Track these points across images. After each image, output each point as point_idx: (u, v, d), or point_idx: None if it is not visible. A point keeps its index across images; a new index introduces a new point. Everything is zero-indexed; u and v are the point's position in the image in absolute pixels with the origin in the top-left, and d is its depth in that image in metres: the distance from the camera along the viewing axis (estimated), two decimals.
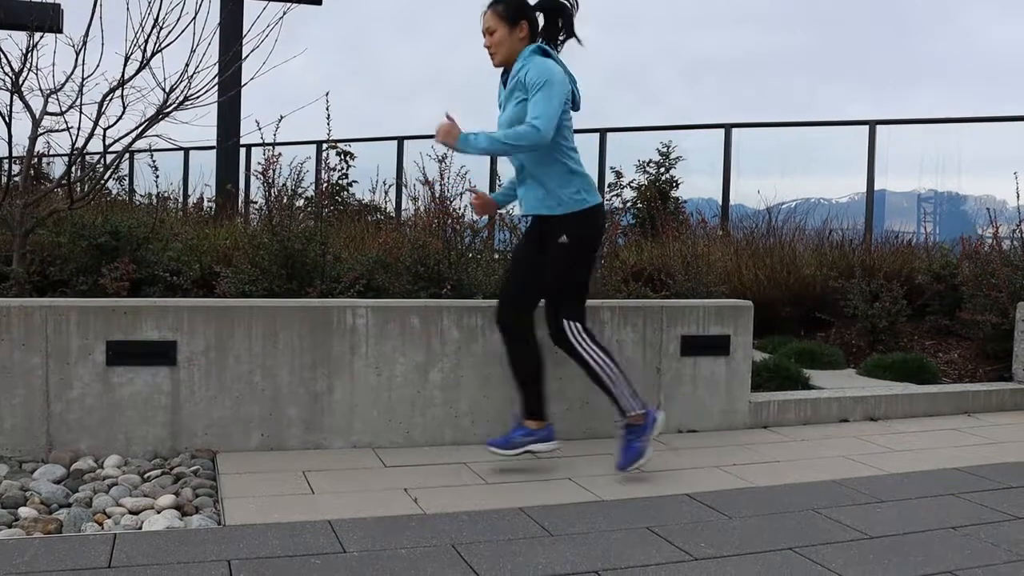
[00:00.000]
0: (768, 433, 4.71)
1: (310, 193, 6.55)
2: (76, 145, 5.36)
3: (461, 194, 5.77)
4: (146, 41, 5.20)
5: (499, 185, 4.34)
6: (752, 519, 3.29)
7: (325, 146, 10.61)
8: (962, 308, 6.54)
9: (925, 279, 7.15)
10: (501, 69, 3.80)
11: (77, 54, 5.13)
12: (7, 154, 5.73)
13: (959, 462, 4.19)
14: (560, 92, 3.57)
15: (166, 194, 9.76)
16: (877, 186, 10.83)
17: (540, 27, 3.76)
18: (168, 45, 5.26)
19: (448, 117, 3.66)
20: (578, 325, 3.72)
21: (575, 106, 3.80)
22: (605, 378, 3.71)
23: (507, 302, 3.88)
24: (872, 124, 10.70)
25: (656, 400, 4.54)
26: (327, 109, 6.44)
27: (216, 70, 5.59)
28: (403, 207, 10.14)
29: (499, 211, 4.89)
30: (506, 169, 5.63)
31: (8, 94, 5.14)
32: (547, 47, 3.72)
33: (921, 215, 12.28)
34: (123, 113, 5.29)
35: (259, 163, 5.62)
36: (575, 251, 3.70)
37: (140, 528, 3.03)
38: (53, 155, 7.73)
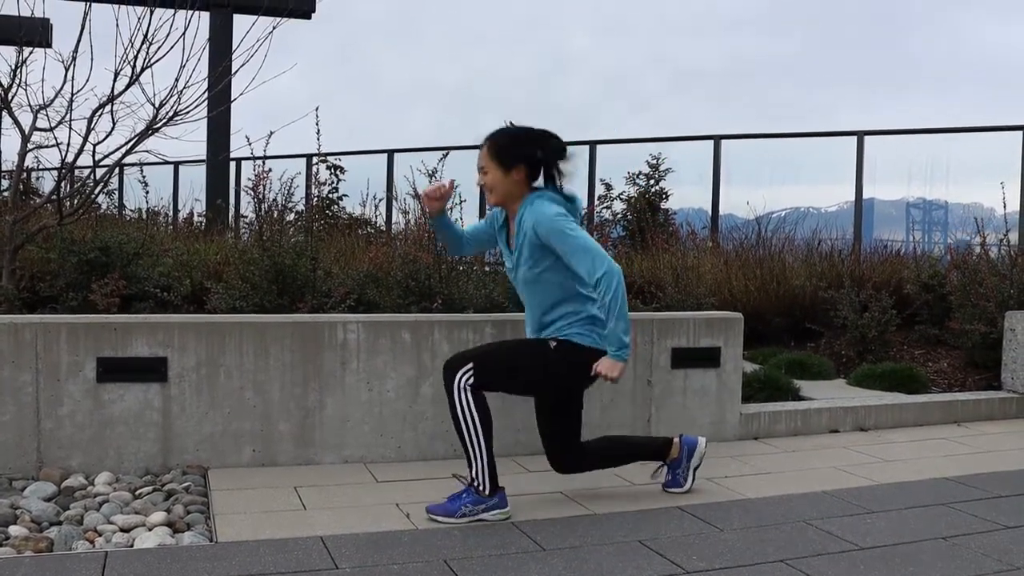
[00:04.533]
0: (759, 444, 4.72)
1: (300, 207, 6.56)
2: (66, 160, 5.37)
3: (451, 208, 5.77)
4: (135, 56, 5.22)
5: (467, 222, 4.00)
6: (744, 531, 3.30)
7: (315, 160, 10.61)
8: (951, 317, 6.57)
9: (914, 289, 7.18)
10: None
11: (66, 69, 5.14)
12: None
13: (949, 472, 4.21)
14: (573, 222, 3.31)
15: (156, 209, 9.75)
16: (866, 195, 10.87)
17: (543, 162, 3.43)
18: (158, 60, 5.29)
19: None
20: (470, 390, 3.34)
21: None
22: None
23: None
24: (860, 135, 10.75)
25: (647, 413, 4.55)
26: (317, 124, 6.46)
27: (205, 85, 5.60)
28: (393, 221, 10.14)
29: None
30: None
31: None
32: (552, 191, 3.44)
33: (910, 224, 12.34)
34: (112, 128, 5.31)
35: (249, 178, 5.62)
36: (557, 370, 3.41)
37: (131, 546, 3.02)
38: (42, 169, 7.71)
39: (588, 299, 3.40)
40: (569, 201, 3.45)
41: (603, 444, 3.69)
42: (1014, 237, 7.37)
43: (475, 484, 3.35)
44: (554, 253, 3.31)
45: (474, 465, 3.34)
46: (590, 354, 3.36)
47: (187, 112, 5.41)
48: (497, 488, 3.36)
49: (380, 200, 9.74)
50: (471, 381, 3.34)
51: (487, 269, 6.09)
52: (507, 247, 3.55)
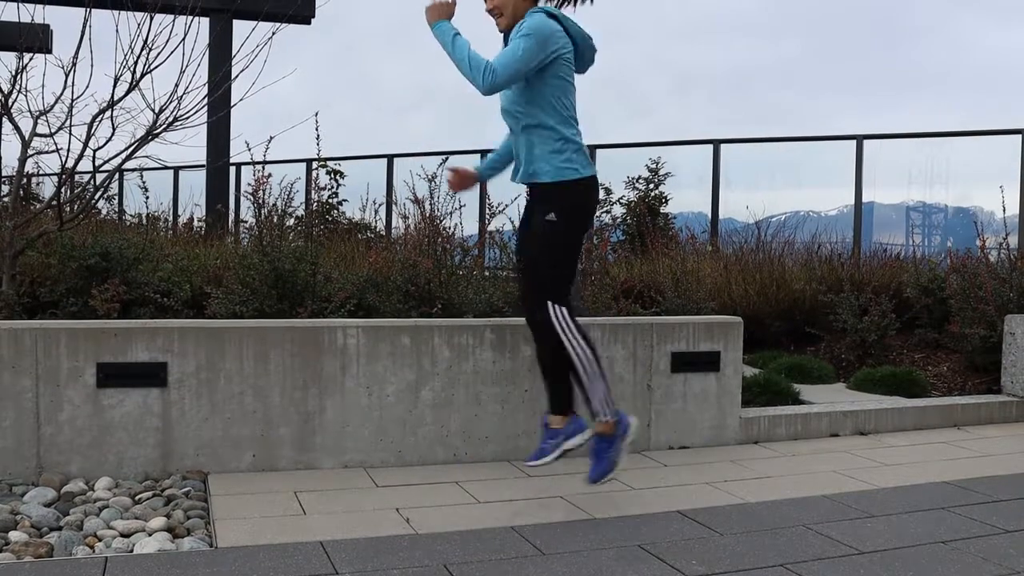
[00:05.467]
0: (759, 448, 4.72)
1: (300, 212, 6.57)
2: (66, 166, 5.37)
3: (451, 212, 5.79)
4: (135, 62, 5.23)
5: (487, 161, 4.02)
6: (743, 536, 3.30)
7: (315, 165, 10.62)
8: (951, 321, 6.57)
9: (914, 292, 7.19)
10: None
11: (66, 75, 5.14)
12: None
13: (949, 476, 4.21)
14: (534, 49, 3.37)
15: (156, 214, 9.76)
16: (866, 198, 10.89)
17: None
18: (158, 66, 5.29)
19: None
20: (564, 310, 3.48)
21: (581, 67, 3.65)
22: (583, 373, 3.48)
23: (523, 299, 3.68)
24: (859, 139, 10.77)
25: (647, 417, 4.55)
26: (316, 129, 6.47)
27: (205, 90, 5.61)
28: (393, 225, 10.16)
29: (479, 183, 4.18)
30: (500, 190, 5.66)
31: None
32: (552, 8, 3.55)
33: (909, 227, 12.35)
34: (113, 134, 5.31)
35: (249, 183, 5.63)
36: (562, 229, 3.48)
37: (131, 551, 3.02)
38: (43, 174, 7.72)
39: (570, 117, 3.52)
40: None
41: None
42: (1014, 240, 7.38)
43: (604, 417, 3.51)
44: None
45: (592, 401, 3.50)
46: (590, 182, 3.53)
47: (187, 117, 5.42)
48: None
49: (380, 205, 9.76)
50: (564, 311, 3.47)
51: (487, 274, 6.09)
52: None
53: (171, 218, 11.40)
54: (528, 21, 3.44)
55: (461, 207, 5.77)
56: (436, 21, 3.48)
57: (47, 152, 5.48)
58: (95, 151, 5.29)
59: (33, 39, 5.25)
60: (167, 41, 5.23)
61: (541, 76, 3.46)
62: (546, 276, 3.52)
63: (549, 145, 3.50)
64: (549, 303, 3.48)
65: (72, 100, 5.20)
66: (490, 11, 3.59)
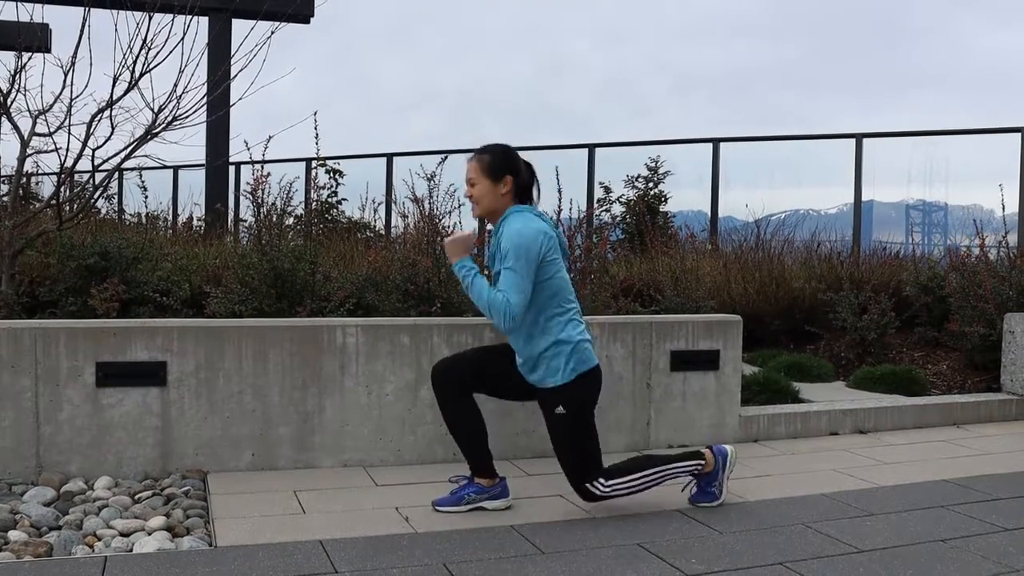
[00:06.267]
0: (758, 447, 4.72)
1: (299, 211, 6.56)
2: (65, 165, 5.37)
3: (450, 212, 5.79)
4: (134, 61, 5.23)
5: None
6: (743, 534, 3.30)
7: (314, 164, 10.61)
8: (950, 319, 6.58)
9: (913, 291, 7.19)
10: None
11: (66, 75, 5.15)
12: None
13: (948, 474, 4.21)
14: (530, 265, 3.36)
15: (155, 214, 9.75)
16: (865, 196, 10.87)
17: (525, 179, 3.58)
18: (156, 65, 5.29)
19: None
20: (600, 480, 3.45)
21: (563, 252, 3.61)
22: (657, 483, 3.53)
23: (460, 371, 3.63)
24: (859, 137, 10.75)
25: (646, 416, 4.55)
26: (316, 128, 6.47)
27: (204, 90, 5.61)
28: (392, 224, 10.15)
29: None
30: None
31: None
32: (528, 208, 3.55)
33: (909, 225, 12.33)
34: (112, 133, 5.32)
35: (248, 182, 5.63)
36: (574, 416, 3.45)
37: (131, 550, 3.02)
38: (42, 174, 7.72)
39: (564, 313, 3.47)
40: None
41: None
42: (1013, 239, 7.38)
43: (696, 472, 3.60)
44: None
45: (684, 477, 3.60)
46: (592, 375, 3.48)
47: (186, 116, 5.42)
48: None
49: (379, 204, 9.75)
50: (600, 482, 3.46)
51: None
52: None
53: (170, 217, 11.39)
54: (512, 238, 3.38)
55: (460, 206, 5.78)
56: (458, 260, 3.52)
57: (46, 151, 5.49)
58: (94, 150, 5.30)
59: (32, 38, 5.25)
60: (166, 40, 5.24)
61: (536, 285, 3.42)
62: (577, 461, 3.48)
63: (553, 352, 3.44)
64: (587, 485, 3.45)
65: (71, 99, 5.21)
66: (468, 197, 3.61)
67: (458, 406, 3.60)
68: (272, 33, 5.57)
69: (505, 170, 3.51)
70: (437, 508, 3.52)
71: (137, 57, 5.22)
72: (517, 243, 3.37)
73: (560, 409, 3.44)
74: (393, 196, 9.18)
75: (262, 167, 5.63)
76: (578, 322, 3.51)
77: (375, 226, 9.99)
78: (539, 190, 3.69)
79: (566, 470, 3.50)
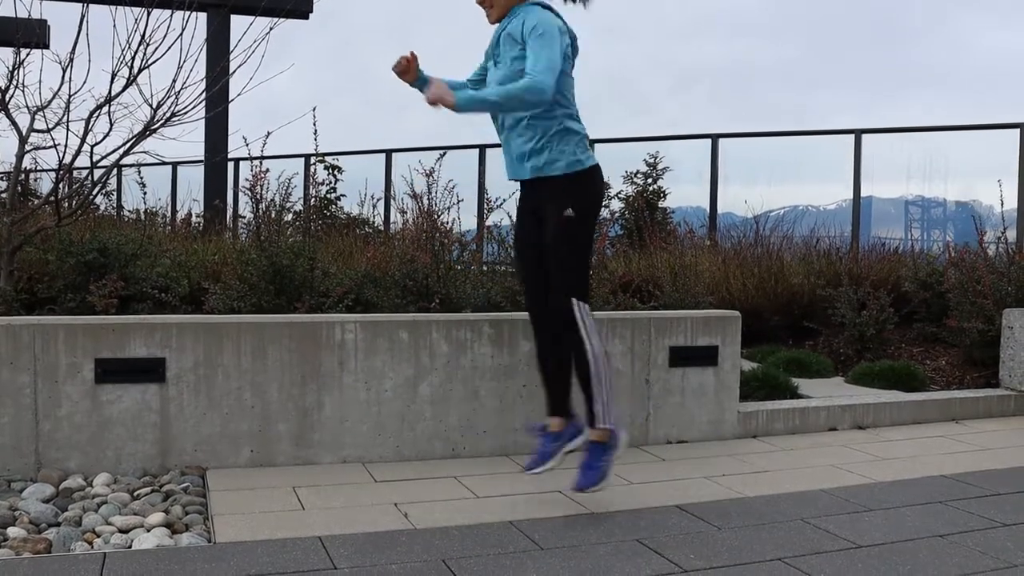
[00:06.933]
0: (757, 443, 4.73)
1: (298, 207, 6.56)
2: (63, 162, 5.37)
3: (449, 207, 5.78)
4: (133, 57, 5.22)
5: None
6: (742, 530, 3.31)
7: (313, 160, 10.61)
8: (949, 315, 6.57)
9: (912, 287, 7.19)
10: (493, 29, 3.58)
11: (64, 71, 5.14)
12: None
13: (947, 469, 4.22)
14: (561, 41, 3.33)
15: (154, 210, 9.75)
16: (864, 192, 10.88)
17: None
18: (155, 61, 5.28)
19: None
20: (586, 307, 3.44)
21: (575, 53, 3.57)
22: (594, 375, 3.43)
23: (532, 298, 3.63)
24: (858, 133, 10.76)
25: (644, 411, 4.56)
26: (314, 124, 6.47)
27: (203, 86, 5.60)
28: (391, 220, 10.15)
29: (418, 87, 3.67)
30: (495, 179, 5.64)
31: None
32: (546, 2, 3.51)
33: (908, 221, 12.34)
34: (110, 130, 5.31)
35: (247, 178, 5.62)
36: (581, 223, 3.43)
37: (130, 547, 3.02)
38: (40, 170, 7.71)
39: (570, 108, 3.47)
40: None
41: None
42: (1012, 234, 7.38)
43: (603, 424, 3.45)
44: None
45: (595, 404, 3.45)
46: (599, 174, 3.49)
47: (185, 113, 5.41)
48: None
49: (378, 200, 9.76)
50: (586, 308, 3.43)
51: (485, 269, 6.09)
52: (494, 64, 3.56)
53: (169, 214, 11.39)
54: (534, 18, 3.37)
55: (459, 202, 5.77)
56: (453, 101, 3.31)
57: (44, 148, 5.48)
58: (92, 147, 5.29)
59: (30, 34, 5.24)
60: (164, 36, 5.22)
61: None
62: (570, 273, 3.46)
63: (558, 137, 3.43)
64: (573, 300, 3.43)
65: (69, 95, 5.19)
66: (480, 2, 3.56)
67: (543, 341, 3.64)
68: (271, 28, 5.57)
69: None
70: (529, 473, 3.54)
71: (136, 53, 5.21)
72: (543, 21, 3.33)
73: (570, 211, 3.39)
74: (392, 192, 9.19)
75: (261, 163, 5.63)
76: (582, 124, 3.49)
77: (374, 222, 9.99)
78: None
79: (557, 282, 3.46)
